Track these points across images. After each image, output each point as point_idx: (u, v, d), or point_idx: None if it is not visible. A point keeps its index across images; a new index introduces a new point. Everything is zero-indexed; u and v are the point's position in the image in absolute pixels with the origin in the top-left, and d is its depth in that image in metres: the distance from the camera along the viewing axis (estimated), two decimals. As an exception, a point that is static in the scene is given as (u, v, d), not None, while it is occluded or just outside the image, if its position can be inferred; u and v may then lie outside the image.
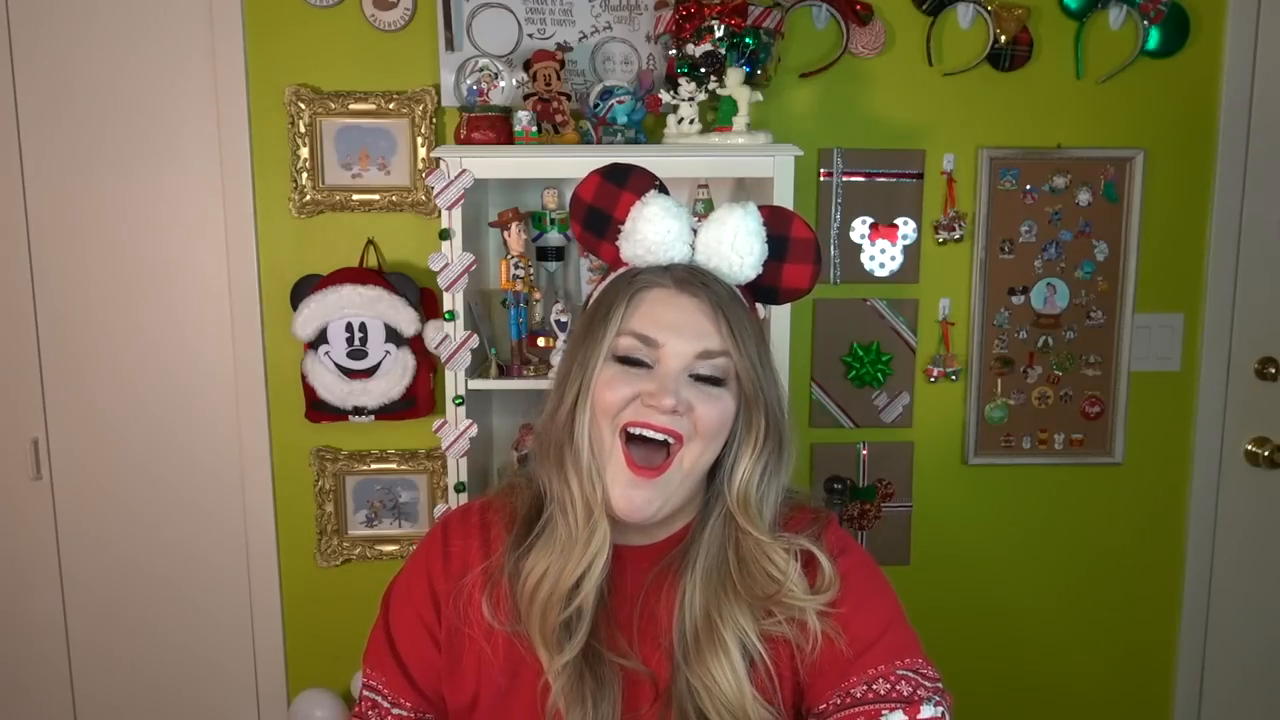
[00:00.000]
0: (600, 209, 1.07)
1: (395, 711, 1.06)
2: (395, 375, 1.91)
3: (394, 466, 2.07)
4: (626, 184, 1.06)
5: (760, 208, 1.04)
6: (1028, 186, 2.03)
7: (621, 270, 1.05)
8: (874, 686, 0.95)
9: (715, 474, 1.04)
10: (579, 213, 1.08)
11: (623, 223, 1.04)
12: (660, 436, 0.96)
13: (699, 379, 0.98)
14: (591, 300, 1.07)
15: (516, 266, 1.79)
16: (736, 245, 1.01)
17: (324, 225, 2.00)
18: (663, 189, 1.07)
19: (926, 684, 0.96)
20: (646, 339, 0.97)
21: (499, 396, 1.99)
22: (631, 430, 0.97)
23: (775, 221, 1.04)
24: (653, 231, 1.00)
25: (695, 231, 1.03)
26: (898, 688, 0.95)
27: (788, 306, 1.73)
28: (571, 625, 0.98)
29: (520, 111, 1.75)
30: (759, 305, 1.15)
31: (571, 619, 0.98)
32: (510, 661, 1.02)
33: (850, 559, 1.04)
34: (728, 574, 1.00)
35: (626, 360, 0.98)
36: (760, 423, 1.00)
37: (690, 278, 1.00)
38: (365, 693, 1.09)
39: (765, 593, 0.99)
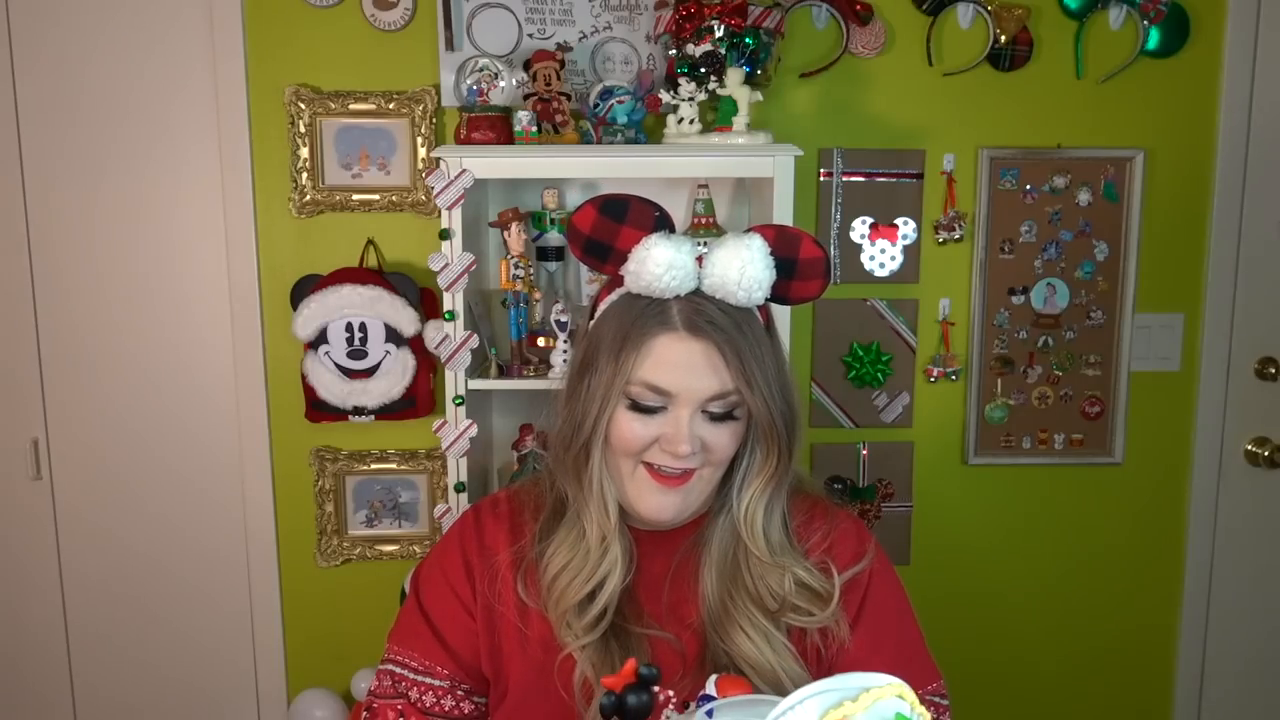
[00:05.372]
0: (600, 241, 1.04)
1: (426, 681, 1.06)
2: (395, 375, 1.91)
3: (394, 466, 2.07)
4: (625, 219, 1.04)
5: (765, 229, 1.03)
6: (1028, 186, 2.03)
7: (624, 293, 1.04)
8: None
9: (728, 475, 1.08)
10: (577, 241, 1.06)
11: (625, 251, 1.02)
12: (676, 472, 1.03)
13: (711, 416, 1.02)
14: (598, 316, 1.06)
15: (516, 266, 1.79)
16: (744, 283, 0.99)
17: (324, 225, 2.00)
18: (663, 221, 1.04)
19: (943, 703, 1.07)
20: (659, 390, 1.00)
21: (499, 396, 1.99)
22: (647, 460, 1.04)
23: (783, 245, 1.03)
24: (657, 281, 0.99)
25: (700, 258, 1.02)
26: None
27: (787, 309, 1.73)
28: (598, 614, 1.04)
29: (520, 111, 1.75)
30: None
31: (599, 609, 1.04)
32: (545, 638, 1.06)
33: (883, 578, 1.10)
34: (738, 574, 1.06)
35: (639, 406, 1.01)
36: (773, 453, 1.04)
37: (697, 318, 0.99)
38: (387, 667, 1.08)
39: (768, 608, 1.05)
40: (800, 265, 1.03)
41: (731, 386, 0.99)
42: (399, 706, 1.03)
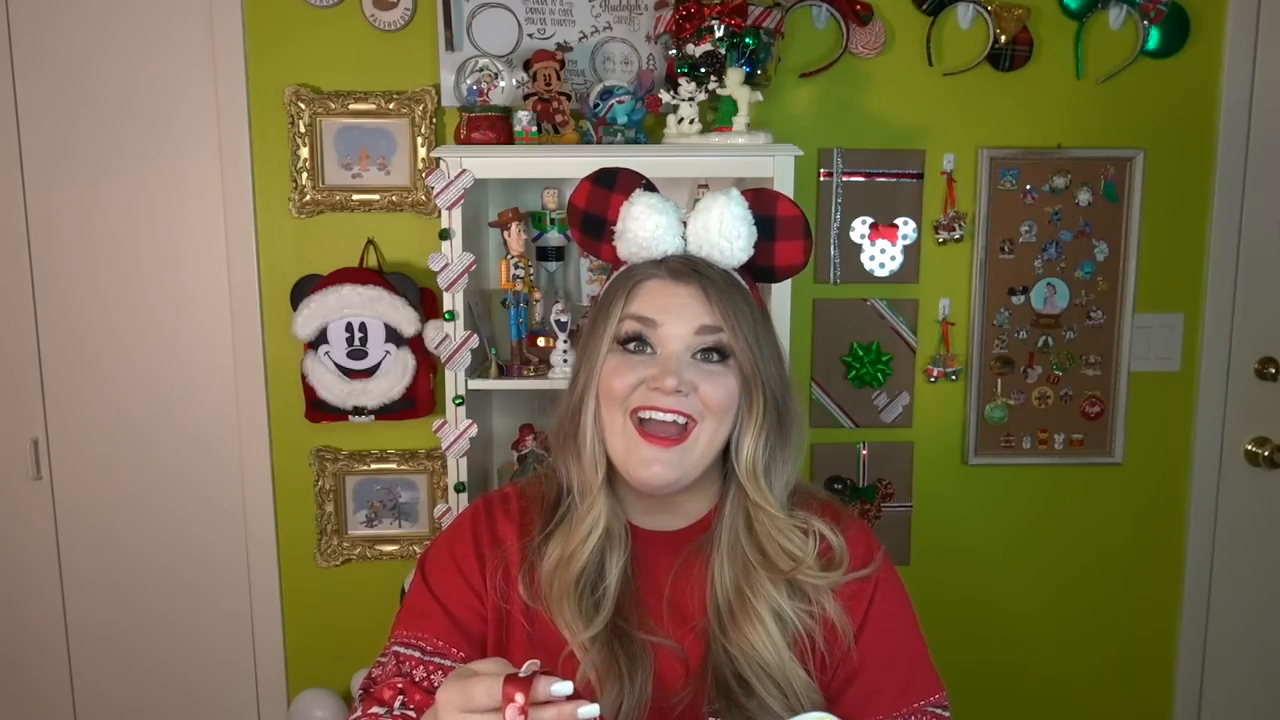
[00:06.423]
0: (594, 214, 1.11)
1: (437, 661, 1.03)
2: (395, 375, 1.91)
3: (394, 466, 2.07)
4: (614, 186, 1.10)
5: (745, 192, 1.07)
6: (1028, 186, 2.03)
7: (621, 269, 1.09)
8: None
9: (729, 457, 1.07)
10: (576, 219, 1.12)
11: (615, 224, 1.07)
12: (669, 418, 1.00)
13: (701, 355, 1.02)
14: (598, 299, 1.11)
15: (516, 266, 1.79)
16: (724, 231, 1.03)
17: (324, 225, 2.00)
18: (649, 186, 1.10)
19: (945, 714, 1.06)
20: (645, 319, 1.02)
21: (499, 396, 1.99)
22: (642, 415, 1.01)
23: (761, 203, 1.07)
24: (641, 229, 1.04)
25: (685, 223, 1.06)
26: None
27: (787, 308, 1.74)
28: (597, 604, 1.03)
29: (520, 111, 1.75)
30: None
31: (597, 598, 1.03)
32: (549, 641, 1.05)
33: (889, 586, 1.09)
34: (751, 548, 1.05)
35: (629, 342, 1.03)
36: (760, 400, 1.04)
37: (683, 268, 1.04)
38: (392, 650, 1.05)
39: (783, 568, 1.03)
40: (779, 223, 1.07)
41: (715, 322, 1.01)
42: (399, 685, 1.01)
